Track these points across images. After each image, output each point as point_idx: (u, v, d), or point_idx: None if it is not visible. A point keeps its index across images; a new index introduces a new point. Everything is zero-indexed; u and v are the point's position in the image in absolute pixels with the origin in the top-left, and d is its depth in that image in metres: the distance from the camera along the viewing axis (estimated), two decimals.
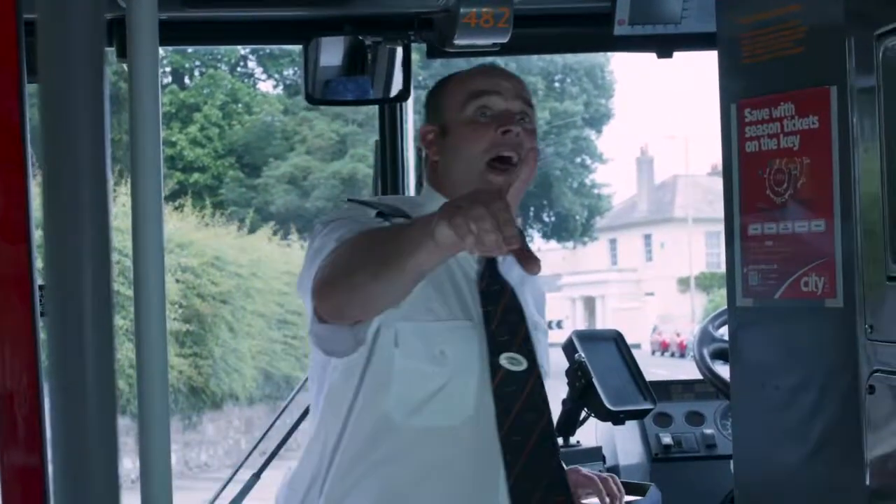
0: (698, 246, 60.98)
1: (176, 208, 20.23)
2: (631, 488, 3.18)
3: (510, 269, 2.80)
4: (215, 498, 4.00)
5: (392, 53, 3.54)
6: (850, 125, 2.38)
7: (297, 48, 3.51)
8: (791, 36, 2.54)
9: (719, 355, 3.69)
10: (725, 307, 2.89)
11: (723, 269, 2.79)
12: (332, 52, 3.54)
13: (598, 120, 43.44)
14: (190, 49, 33.63)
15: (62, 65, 0.71)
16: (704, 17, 3.23)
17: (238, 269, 18.88)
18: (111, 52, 3.29)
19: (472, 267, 2.79)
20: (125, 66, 1.56)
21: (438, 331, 2.70)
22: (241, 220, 22.81)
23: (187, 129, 33.80)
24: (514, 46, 3.39)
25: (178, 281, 17.11)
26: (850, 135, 2.38)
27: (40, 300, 1.96)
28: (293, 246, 23.40)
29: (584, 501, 2.96)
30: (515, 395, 2.69)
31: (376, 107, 3.98)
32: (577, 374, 3.48)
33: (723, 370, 3.62)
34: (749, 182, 2.63)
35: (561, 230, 44.30)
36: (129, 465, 13.00)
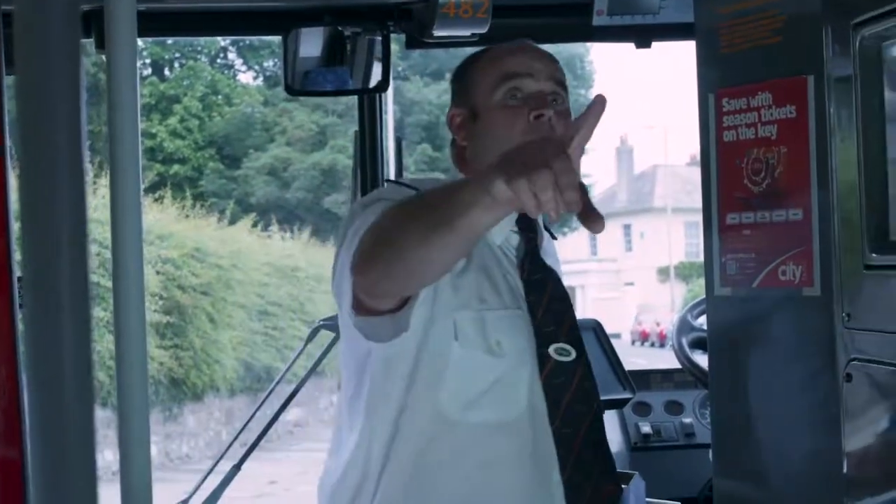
0: (678, 236, 61.14)
1: (156, 200, 20.20)
2: None
3: (547, 252, 2.73)
4: (196, 489, 4.00)
5: (371, 44, 3.54)
6: (827, 114, 2.39)
7: (277, 39, 3.50)
8: (769, 25, 2.55)
9: (698, 345, 3.70)
10: (704, 296, 2.90)
11: (702, 258, 2.80)
12: (311, 43, 3.53)
13: (577, 110, 43.23)
14: (170, 40, 33.59)
15: (37, 56, 0.71)
16: (682, 6, 3.23)
17: (218, 260, 18.85)
18: (90, 43, 3.28)
19: (512, 252, 2.68)
20: (104, 57, 1.56)
21: (493, 320, 2.58)
22: (221, 212, 22.78)
23: (167, 120, 33.74)
24: (493, 37, 3.39)
25: (158, 272, 17.08)
26: (828, 124, 2.39)
27: (19, 292, 1.95)
28: (273, 237, 23.41)
29: None
30: (565, 387, 2.60)
31: (356, 97, 3.98)
32: None
33: (701, 359, 3.64)
34: (727, 171, 2.64)
35: None
36: (110, 457, 12.97)
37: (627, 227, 66.12)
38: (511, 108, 2.62)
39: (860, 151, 2.30)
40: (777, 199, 2.52)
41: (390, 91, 3.78)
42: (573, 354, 2.62)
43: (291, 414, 20.12)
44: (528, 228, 2.71)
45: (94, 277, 13.80)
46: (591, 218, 1.93)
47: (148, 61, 35.40)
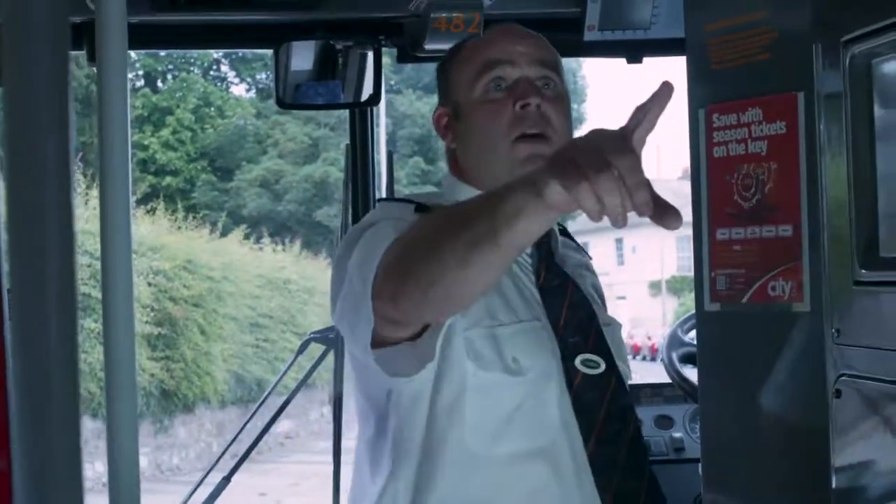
0: (669, 250, 61.15)
1: (148, 212, 20.20)
2: None
3: (567, 257, 2.54)
4: (186, 501, 4.00)
5: (363, 58, 3.55)
6: (817, 131, 2.39)
7: (270, 52, 3.51)
8: (759, 42, 2.55)
9: (688, 359, 3.70)
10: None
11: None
12: (302, 57, 3.54)
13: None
14: (162, 52, 33.59)
15: (25, 68, 0.71)
16: (673, 22, 3.24)
17: (210, 272, 18.85)
18: (82, 55, 3.29)
19: (525, 259, 2.44)
20: (96, 70, 1.56)
21: (506, 336, 2.29)
22: (213, 224, 22.77)
23: (160, 132, 33.74)
24: None
25: (150, 284, 17.08)
26: (818, 140, 2.39)
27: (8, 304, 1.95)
28: (265, 249, 23.40)
29: None
30: (597, 404, 2.33)
31: (347, 111, 3.99)
32: None
33: (691, 374, 3.64)
34: (717, 187, 2.64)
35: None
36: (100, 468, 12.95)
37: (619, 242, 66.11)
38: (494, 101, 2.37)
39: (850, 168, 2.31)
40: (767, 215, 2.52)
41: (382, 104, 3.79)
42: (602, 366, 2.36)
43: (282, 426, 20.10)
44: None
45: (85, 289, 13.79)
46: (668, 214, 1.69)
47: (141, 73, 35.41)
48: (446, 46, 3.36)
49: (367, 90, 3.55)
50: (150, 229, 18.34)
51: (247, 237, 23.25)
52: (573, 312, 2.38)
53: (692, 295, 2.72)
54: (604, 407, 2.33)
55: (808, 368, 2.43)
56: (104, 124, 1.50)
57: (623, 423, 2.35)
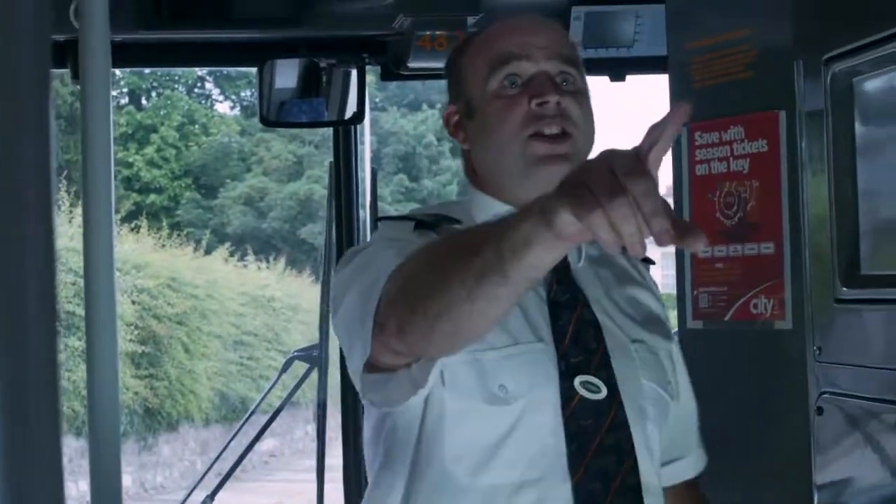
0: (654, 267, 61.15)
1: (132, 229, 20.16)
2: None
3: (603, 263, 2.30)
4: None
5: (346, 76, 3.55)
6: (798, 149, 2.41)
7: (254, 70, 3.51)
8: (741, 60, 2.57)
9: None
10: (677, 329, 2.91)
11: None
12: (286, 75, 3.54)
13: None
14: (147, 70, 33.54)
15: (6, 86, 0.71)
16: (655, 40, 3.26)
17: (194, 290, 18.80)
18: (66, 73, 3.29)
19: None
20: (80, 87, 1.56)
21: (494, 362, 2.08)
22: (197, 242, 22.72)
23: (144, 150, 33.68)
24: None
25: (133, 302, 17.03)
26: (799, 158, 2.40)
27: None
28: (249, 267, 23.34)
29: None
30: (591, 430, 2.09)
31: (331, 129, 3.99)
32: None
33: None
34: (699, 204, 2.65)
35: None
36: (84, 487, 12.91)
37: None
38: (509, 98, 2.17)
39: (831, 185, 2.32)
40: (749, 233, 2.53)
41: (367, 122, 3.78)
42: (603, 392, 2.12)
43: (266, 444, 20.05)
44: None
45: (69, 307, 13.76)
46: (690, 235, 1.50)
47: (125, 90, 35.37)
48: (430, 65, 3.37)
49: (351, 108, 3.56)
50: (134, 247, 18.30)
51: (231, 255, 23.19)
52: (581, 329, 2.16)
53: (675, 313, 2.72)
54: (599, 436, 2.10)
55: (790, 386, 2.44)
56: (88, 142, 1.50)
57: (617, 458, 2.10)
